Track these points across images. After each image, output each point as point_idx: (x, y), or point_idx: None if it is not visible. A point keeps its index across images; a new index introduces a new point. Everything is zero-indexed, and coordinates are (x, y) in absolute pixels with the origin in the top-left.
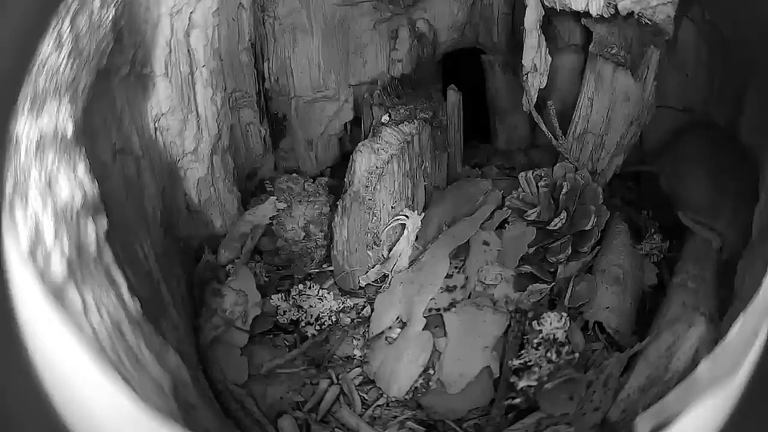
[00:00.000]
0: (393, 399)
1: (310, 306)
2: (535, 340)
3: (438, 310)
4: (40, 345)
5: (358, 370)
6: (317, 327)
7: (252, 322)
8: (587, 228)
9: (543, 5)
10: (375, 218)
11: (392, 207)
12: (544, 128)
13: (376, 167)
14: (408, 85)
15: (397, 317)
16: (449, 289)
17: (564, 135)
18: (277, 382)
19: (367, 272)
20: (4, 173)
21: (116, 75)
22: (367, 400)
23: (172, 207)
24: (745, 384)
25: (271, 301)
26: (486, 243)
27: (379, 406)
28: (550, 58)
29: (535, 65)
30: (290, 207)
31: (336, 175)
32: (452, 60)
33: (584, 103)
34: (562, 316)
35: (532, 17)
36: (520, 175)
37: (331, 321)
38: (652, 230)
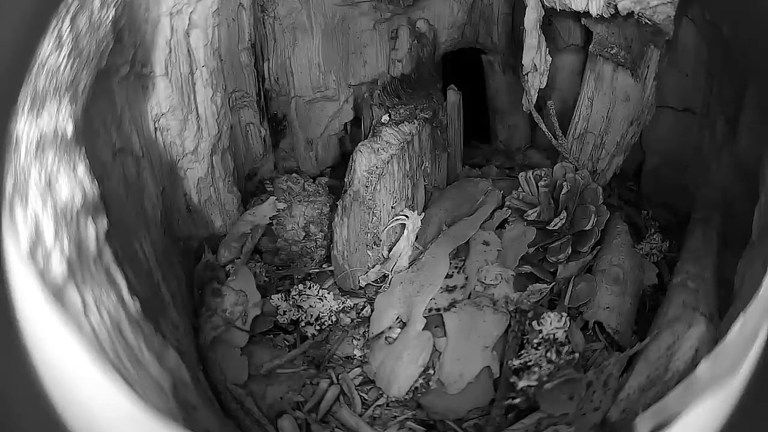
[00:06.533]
0: (393, 399)
1: (310, 306)
2: (535, 340)
3: (438, 310)
4: (40, 345)
5: (358, 370)
6: (317, 327)
7: (252, 322)
8: (587, 228)
9: (543, 5)
10: (375, 218)
11: (392, 207)
12: (544, 128)
13: (376, 167)
14: (408, 85)
15: (397, 317)
16: (449, 289)
17: (564, 135)
18: (277, 382)
19: (367, 272)
20: (4, 173)
21: (116, 75)
22: (367, 400)
23: (172, 207)
24: (745, 384)
25: (271, 301)
26: (486, 243)
27: (379, 406)
28: (550, 58)
29: (535, 65)
30: (290, 207)
31: (336, 175)
32: (452, 60)
33: (584, 103)
34: (562, 316)
35: (532, 17)
36: (520, 175)
37: (331, 321)
38: (652, 230)
